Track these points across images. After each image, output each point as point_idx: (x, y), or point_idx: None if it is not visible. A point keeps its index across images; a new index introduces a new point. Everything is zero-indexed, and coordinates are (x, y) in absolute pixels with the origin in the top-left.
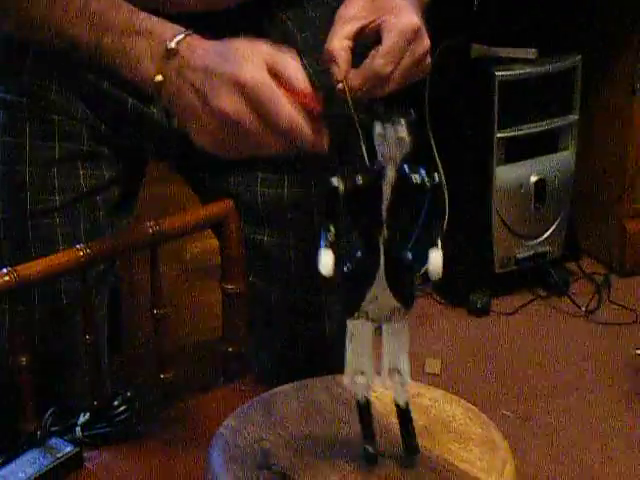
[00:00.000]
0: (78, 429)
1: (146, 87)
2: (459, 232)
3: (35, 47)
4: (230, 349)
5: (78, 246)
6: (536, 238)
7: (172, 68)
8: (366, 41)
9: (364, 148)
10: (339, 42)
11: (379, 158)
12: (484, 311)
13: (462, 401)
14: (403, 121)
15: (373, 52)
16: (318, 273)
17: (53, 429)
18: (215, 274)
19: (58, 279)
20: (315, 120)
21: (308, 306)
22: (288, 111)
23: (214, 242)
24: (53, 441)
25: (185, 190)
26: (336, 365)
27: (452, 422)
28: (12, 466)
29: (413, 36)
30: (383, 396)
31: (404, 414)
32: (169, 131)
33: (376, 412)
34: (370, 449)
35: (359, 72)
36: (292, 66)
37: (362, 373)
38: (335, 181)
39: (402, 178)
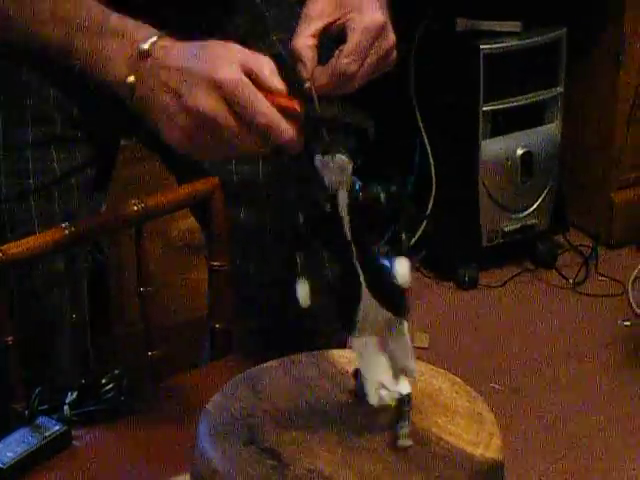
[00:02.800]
0: (66, 408)
1: (118, 88)
2: (446, 206)
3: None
4: (217, 326)
5: (63, 225)
6: (523, 211)
7: (145, 69)
8: (332, 39)
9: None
10: (305, 40)
11: (327, 186)
12: (472, 284)
13: (449, 374)
14: (341, 149)
15: (338, 51)
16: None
17: (41, 408)
18: (201, 251)
19: (43, 258)
20: (291, 119)
21: (285, 281)
22: (266, 110)
23: None
24: (41, 420)
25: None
26: (315, 339)
27: (439, 396)
28: (0, 445)
29: (377, 33)
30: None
31: (404, 401)
32: None
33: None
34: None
35: (325, 71)
36: (267, 68)
37: (383, 386)
38: (299, 216)
39: (355, 198)
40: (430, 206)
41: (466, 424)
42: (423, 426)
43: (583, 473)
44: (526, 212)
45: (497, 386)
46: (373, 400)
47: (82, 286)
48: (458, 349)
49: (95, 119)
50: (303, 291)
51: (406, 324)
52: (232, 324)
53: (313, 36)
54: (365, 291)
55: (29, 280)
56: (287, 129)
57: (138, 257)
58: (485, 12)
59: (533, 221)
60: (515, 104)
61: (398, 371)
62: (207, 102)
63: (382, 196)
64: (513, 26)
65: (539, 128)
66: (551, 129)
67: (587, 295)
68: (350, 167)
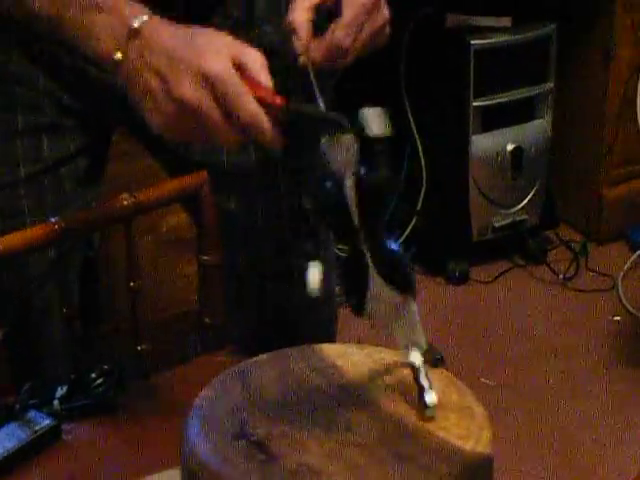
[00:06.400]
0: (56, 402)
1: (104, 64)
2: (436, 202)
3: None
4: (207, 320)
5: (53, 219)
6: (513, 206)
7: (133, 48)
8: (326, 13)
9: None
10: (300, 15)
11: (334, 170)
12: (462, 280)
13: (439, 369)
14: (348, 130)
15: (333, 24)
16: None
17: (31, 402)
18: (192, 246)
19: (33, 253)
20: (274, 118)
21: (277, 271)
22: (252, 107)
23: None
24: (31, 414)
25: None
26: (306, 329)
27: None
28: None
29: (372, 8)
30: (361, 366)
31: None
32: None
33: (354, 383)
34: None
35: (320, 44)
36: (257, 61)
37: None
38: (305, 202)
39: (361, 184)
40: (420, 201)
41: (456, 418)
42: (413, 420)
43: (572, 467)
44: (516, 207)
45: (487, 381)
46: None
47: (72, 281)
48: (448, 344)
49: (86, 107)
50: (315, 276)
51: (414, 302)
52: (222, 319)
53: (308, 10)
54: (372, 274)
55: (19, 275)
56: (269, 130)
57: (128, 252)
58: (475, 8)
59: (523, 216)
60: (505, 100)
61: (408, 346)
62: (193, 93)
63: (384, 181)
64: (503, 22)
65: (529, 124)
66: (541, 125)
67: (577, 290)
68: (356, 146)
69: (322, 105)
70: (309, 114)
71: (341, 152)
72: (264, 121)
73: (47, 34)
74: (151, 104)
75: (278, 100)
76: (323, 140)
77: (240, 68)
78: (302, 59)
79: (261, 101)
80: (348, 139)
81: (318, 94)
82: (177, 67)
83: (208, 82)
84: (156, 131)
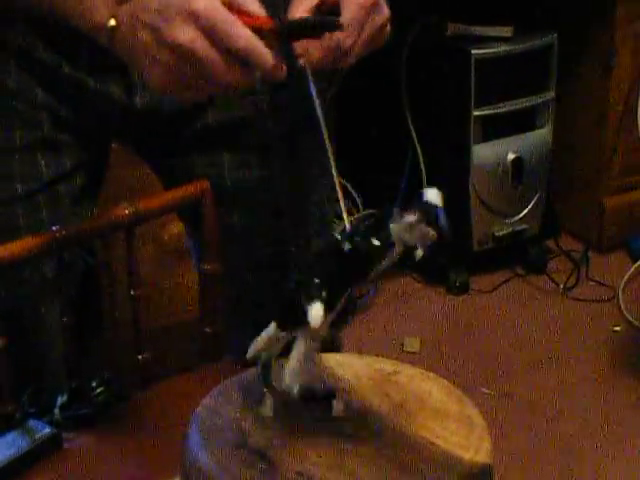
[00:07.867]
0: (57, 410)
1: (98, 35)
2: None
3: None
4: (208, 329)
5: (54, 228)
6: (514, 216)
7: (125, 12)
8: (326, 13)
9: (333, 164)
10: (299, 16)
11: (393, 239)
12: (463, 289)
13: (439, 378)
14: (433, 218)
15: None
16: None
17: (31, 411)
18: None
19: (34, 261)
20: (272, 45)
21: (279, 286)
22: (242, 32)
23: None
24: (31, 423)
25: None
26: None
27: (429, 399)
28: None
29: (372, 8)
30: (360, 375)
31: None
32: (131, 112)
33: (354, 392)
34: None
35: (319, 45)
36: None
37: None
38: (339, 236)
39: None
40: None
41: (456, 428)
42: (413, 429)
43: (572, 477)
44: (517, 217)
45: (487, 391)
46: None
47: (73, 289)
48: (448, 354)
49: (84, 120)
50: (317, 313)
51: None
52: (223, 328)
53: (307, 11)
54: None
55: (20, 283)
56: (267, 55)
57: (129, 260)
58: (476, 17)
59: (524, 226)
60: (506, 109)
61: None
62: (185, 34)
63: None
64: (504, 31)
65: (530, 133)
66: (542, 134)
67: (578, 300)
68: (431, 237)
69: (319, 110)
70: (306, 22)
71: (417, 236)
72: (259, 45)
73: (41, 14)
74: (148, 60)
75: (272, 24)
76: (409, 217)
77: (231, 6)
78: (301, 61)
79: (255, 30)
80: (432, 231)
81: (316, 96)
82: (167, 14)
83: (198, 21)
84: (162, 91)
